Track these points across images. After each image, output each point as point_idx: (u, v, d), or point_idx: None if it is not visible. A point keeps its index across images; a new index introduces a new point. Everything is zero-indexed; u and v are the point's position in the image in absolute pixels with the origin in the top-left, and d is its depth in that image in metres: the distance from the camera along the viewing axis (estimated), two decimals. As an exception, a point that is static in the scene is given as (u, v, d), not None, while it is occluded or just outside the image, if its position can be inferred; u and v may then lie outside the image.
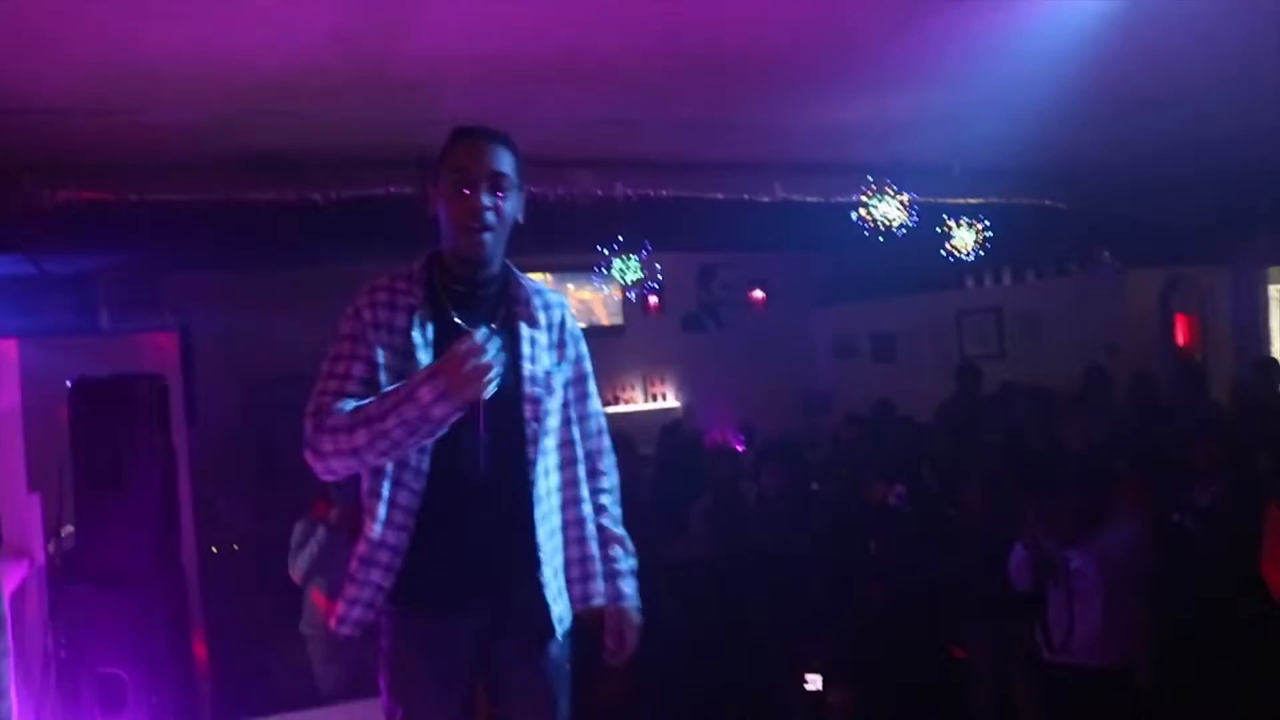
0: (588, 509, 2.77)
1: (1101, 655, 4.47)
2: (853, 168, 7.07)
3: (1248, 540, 4.42)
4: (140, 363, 6.18)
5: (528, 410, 2.58)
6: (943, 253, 7.56)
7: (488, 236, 2.54)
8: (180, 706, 4.68)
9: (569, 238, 7.22)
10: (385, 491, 2.52)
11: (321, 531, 5.66)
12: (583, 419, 2.80)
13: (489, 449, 2.51)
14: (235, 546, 8.07)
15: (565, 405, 2.73)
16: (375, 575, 2.53)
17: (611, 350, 11.28)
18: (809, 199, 7.34)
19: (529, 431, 2.58)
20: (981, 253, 7.53)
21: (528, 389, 2.59)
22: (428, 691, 2.56)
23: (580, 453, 2.78)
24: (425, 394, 2.31)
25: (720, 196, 7.09)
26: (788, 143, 6.82)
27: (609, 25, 4.48)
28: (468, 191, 2.51)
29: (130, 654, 4.34)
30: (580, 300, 11.03)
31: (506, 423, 2.55)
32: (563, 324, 2.76)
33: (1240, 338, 10.14)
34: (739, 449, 9.19)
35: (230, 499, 8.34)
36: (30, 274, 7.06)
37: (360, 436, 2.36)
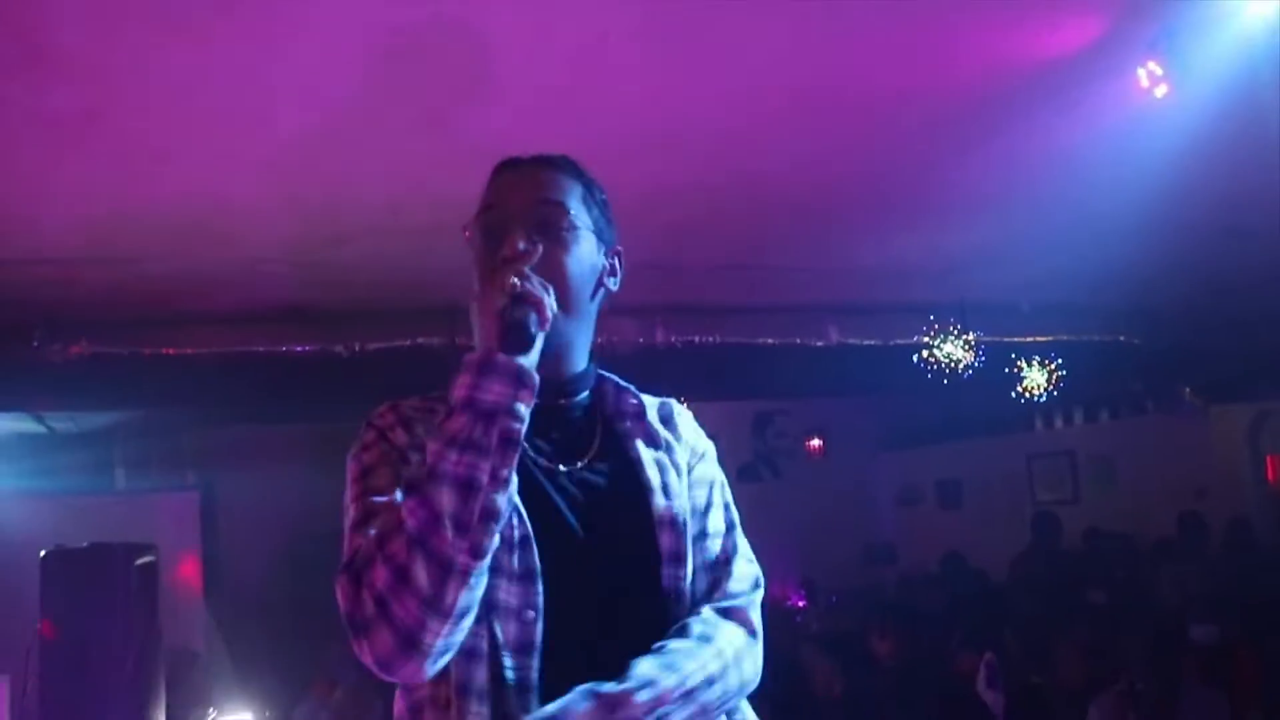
0: None
1: None
2: (913, 308, 6.76)
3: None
4: (157, 524, 5.91)
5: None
6: (1014, 394, 7.13)
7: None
8: None
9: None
10: None
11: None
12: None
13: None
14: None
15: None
16: None
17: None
18: (867, 342, 7.00)
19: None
20: (1055, 393, 7.10)
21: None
22: None
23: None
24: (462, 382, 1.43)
25: (771, 342, 6.76)
26: (842, 283, 6.53)
27: (647, 166, 4.17)
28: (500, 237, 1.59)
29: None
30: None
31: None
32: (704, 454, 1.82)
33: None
34: (799, 604, 8.74)
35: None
36: (40, 432, 6.81)
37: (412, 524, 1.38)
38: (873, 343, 6.99)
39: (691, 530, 1.67)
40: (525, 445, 1.48)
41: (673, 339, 6.56)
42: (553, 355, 1.58)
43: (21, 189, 3.92)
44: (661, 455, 1.71)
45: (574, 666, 1.47)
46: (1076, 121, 4.17)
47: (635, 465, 1.68)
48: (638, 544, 1.61)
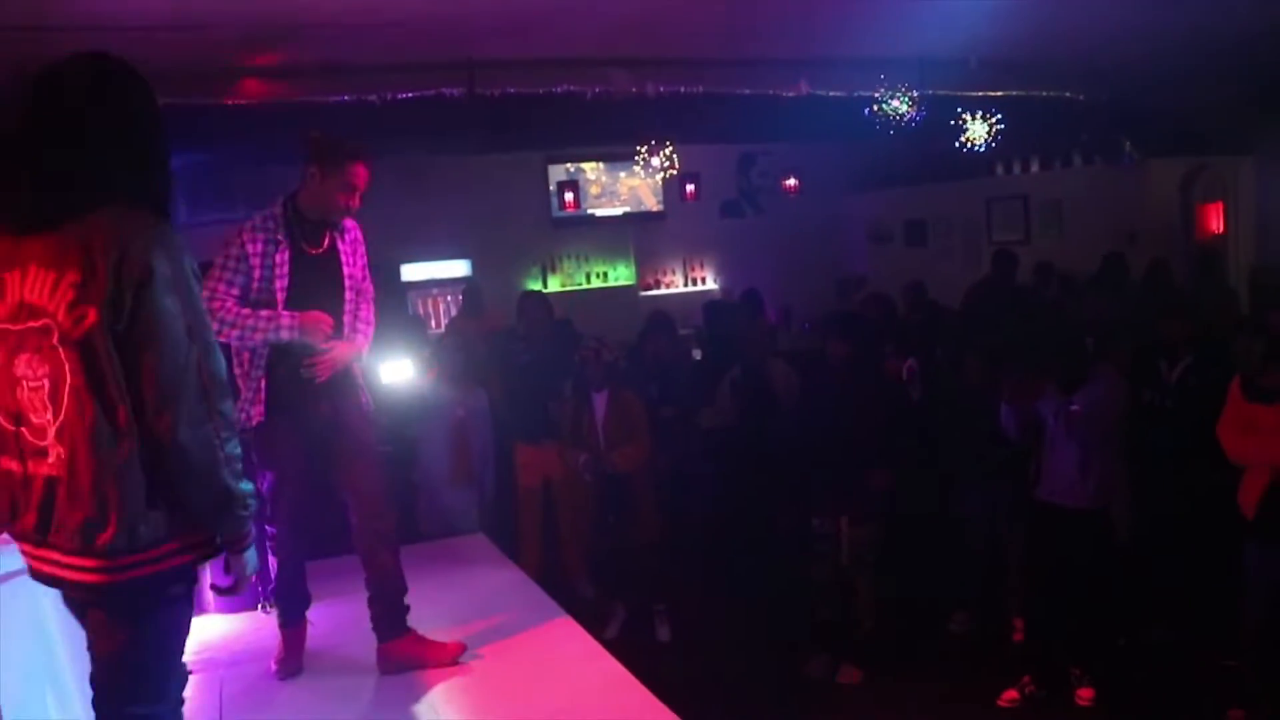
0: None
1: (1077, 496, 5.10)
2: (874, 63, 7.40)
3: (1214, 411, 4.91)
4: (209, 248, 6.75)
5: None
6: (957, 145, 7.91)
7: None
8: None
9: (606, 131, 7.68)
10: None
11: None
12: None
13: None
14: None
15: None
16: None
17: (653, 235, 11.83)
18: (833, 93, 7.70)
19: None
20: (993, 144, 7.86)
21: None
22: None
23: None
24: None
25: (748, 92, 7.48)
26: (813, 39, 7.15)
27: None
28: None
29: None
30: (629, 187, 11.53)
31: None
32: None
33: (1262, 227, 10.42)
34: (771, 320, 9.67)
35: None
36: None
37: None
38: (838, 94, 7.71)
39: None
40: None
41: (661, 89, 7.35)
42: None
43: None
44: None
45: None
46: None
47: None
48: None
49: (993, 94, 8.08)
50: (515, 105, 6.96)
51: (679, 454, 6.95)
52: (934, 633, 6.07)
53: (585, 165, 11.35)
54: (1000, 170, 11.18)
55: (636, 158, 7.86)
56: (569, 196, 11.32)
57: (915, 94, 7.22)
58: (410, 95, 6.57)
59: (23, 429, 2.32)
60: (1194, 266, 9.35)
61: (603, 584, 6.63)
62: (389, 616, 4.06)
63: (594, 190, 11.49)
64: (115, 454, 2.25)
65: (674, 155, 7.69)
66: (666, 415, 6.89)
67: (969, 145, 7.90)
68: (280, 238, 3.80)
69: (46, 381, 2.27)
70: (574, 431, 6.38)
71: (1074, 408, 5.01)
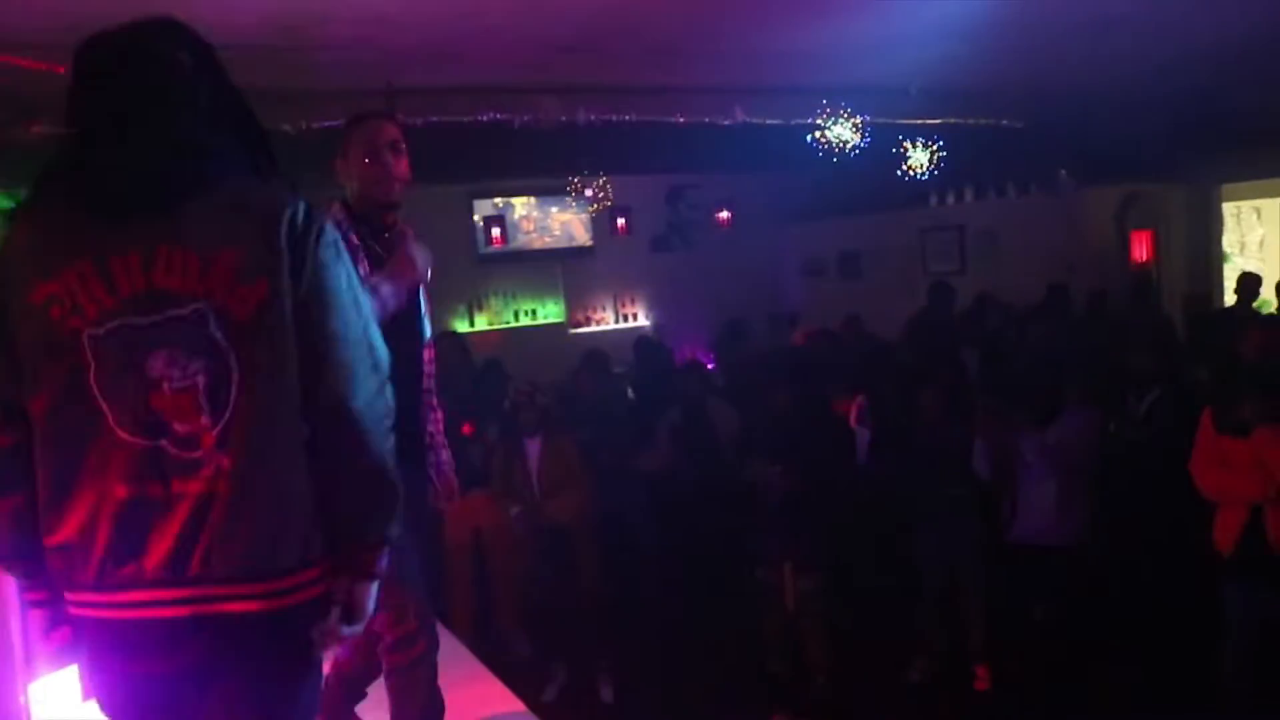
0: None
1: (1056, 535, 4.84)
2: (812, 90, 7.22)
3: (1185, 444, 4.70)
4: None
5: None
6: (899, 173, 7.77)
7: None
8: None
9: (535, 162, 7.38)
10: None
11: None
12: None
13: None
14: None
15: None
16: None
17: (583, 271, 11.51)
18: (769, 121, 7.52)
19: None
20: (935, 172, 7.74)
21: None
22: None
23: None
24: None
25: (681, 120, 7.26)
26: (748, 67, 6.91)
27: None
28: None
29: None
30: (561, 222, 11.21)
31: None
32: None
33: (1193, 253, 10.44)
34: (709, 367, 9.46)
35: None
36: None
37: None
38: (775, 122, 7.52)
39: None
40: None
41: (592, 117, 7.06)
42: None
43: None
44: None
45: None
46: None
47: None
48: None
49: (931, 121, 7.93)
50: (439, 135, 6.62)
51: (618, 501, 6.61)
52: (893, 682, 5.75)
53: (515, 200, 11.01)
54: (934, 200, 11.08)
55: (569, 190, 7.57)
56: (495, 231, 10.95)
57: (859, 119, 7.02)
58: (329, 124, 6.21)
59: (163, 442, 1.88)
60: (1129, 294, 9.31)
61: (540, 642, 6.23)
62: None
63: (525, 226, 11.14)
64: (292, 448, 1.94)
65: (608, 186, 7.42)
66: (603, 461, 6.55)
67: (910, 174, 7.74)
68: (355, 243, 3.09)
69: (201, 378, 1.88)
70: (505, 480, 6.02)
71: (1052, 440, 4.81)
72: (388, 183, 3.13)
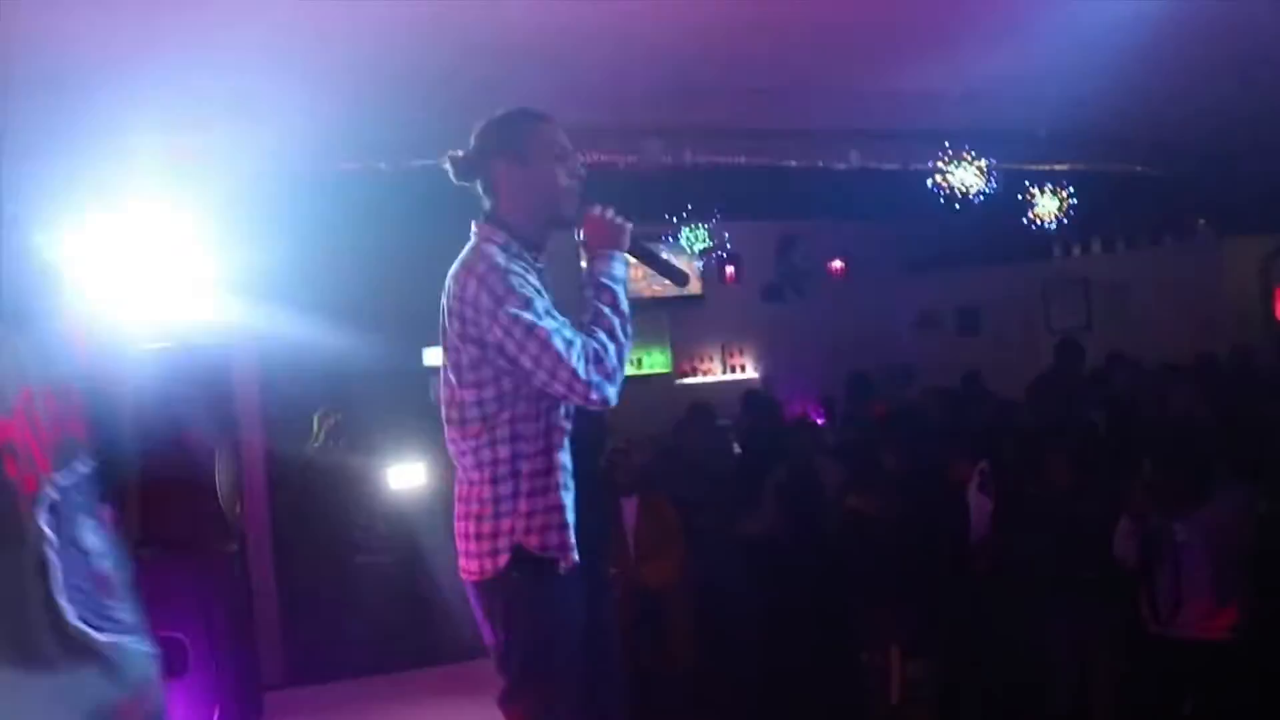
0: None
1: (1213, 628, 4.44)
2: (932, 134, 6.91)
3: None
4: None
5: None
6: (1025, 221, 7.35)
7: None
8: (241, 668, 4.74)
9: (639, 205, 7.13)
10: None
11: None
12: None
13: None
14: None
15: None
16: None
17: (691, 320, 11.25)
18: (887, 166, 7.19)
19: None
20: (1065, 221, 7.32)
21: None
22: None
23: None
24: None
25: (794, 164, 6.96)
26: (864, 109, 6.68)
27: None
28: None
29: (190, 618, 4.38)
30: (670, 269, 10.95)
31: None
32: None
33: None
34: (819, 422, 9.10)
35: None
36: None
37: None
38: (892, 167, 7.19)
39: None
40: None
41: (699, 160, 6.80)
42: None
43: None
44: None
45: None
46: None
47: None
48: None
49: (1059, 167, 7.49)
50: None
51: (715, 566, 6.25)
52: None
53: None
54: (1058, 252, 10.60)
55: (679, 234, 7.33)
56: (605, 277, 10.75)
57: (985, 162, 6.63)
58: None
59: None
60: (1275, 355, 8.71)
61: (632, 713, 5.88)
62: None
63: (633, 273, 10.88)
64: None
65: (722, 231, 7.16)
66: (703, 522, 6.20)
67: (1037, 222, 7.30)
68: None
69: None
70: (602, 541, 5.72)
71: (1209, 519, 4.34)
72: (577, 196, 2.70)
